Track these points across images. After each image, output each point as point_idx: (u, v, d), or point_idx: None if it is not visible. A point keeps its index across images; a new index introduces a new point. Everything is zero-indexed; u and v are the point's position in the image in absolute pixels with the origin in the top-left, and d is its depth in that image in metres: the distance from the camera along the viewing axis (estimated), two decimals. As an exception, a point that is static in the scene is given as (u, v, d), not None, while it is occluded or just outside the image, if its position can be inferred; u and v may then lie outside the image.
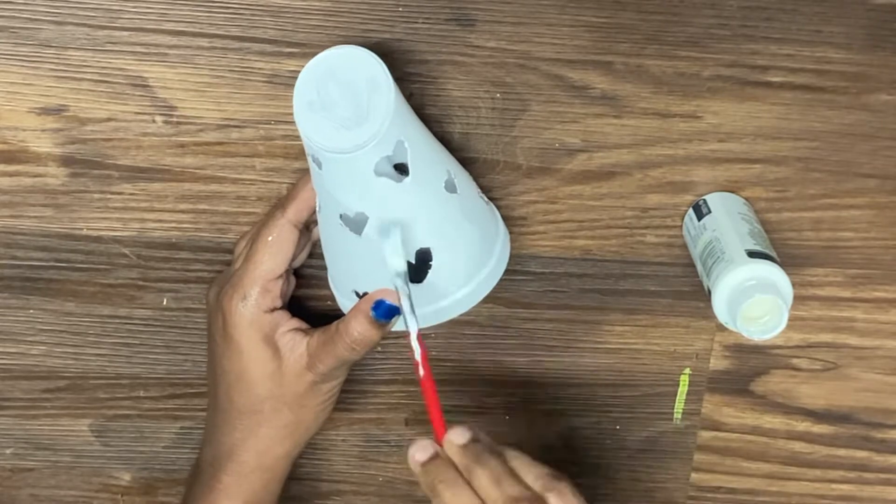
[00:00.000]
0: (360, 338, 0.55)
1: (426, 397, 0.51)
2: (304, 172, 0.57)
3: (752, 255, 0.56)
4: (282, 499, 0.69)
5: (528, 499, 0.48)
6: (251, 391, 0.57)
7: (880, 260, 0.64)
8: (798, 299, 0.64)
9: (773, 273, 0.55)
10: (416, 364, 0.51)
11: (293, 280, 0.60)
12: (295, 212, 0.57)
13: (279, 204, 0.58)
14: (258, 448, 0.58)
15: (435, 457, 0.50)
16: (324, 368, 0.57)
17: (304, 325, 0.58)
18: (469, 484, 0.49)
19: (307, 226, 0.59)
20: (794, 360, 0.66)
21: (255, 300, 0.56)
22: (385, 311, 0.54)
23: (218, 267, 0.61)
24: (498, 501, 0.48)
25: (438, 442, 0.51)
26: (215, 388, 0.59)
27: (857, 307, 0.65)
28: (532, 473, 0.49)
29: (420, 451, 0.50)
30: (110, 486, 0.67)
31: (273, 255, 0.57)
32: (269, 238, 0.57)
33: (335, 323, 0.56)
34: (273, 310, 0.57)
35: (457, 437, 0.50)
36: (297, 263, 0.60)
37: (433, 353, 0.65)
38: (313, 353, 0.57)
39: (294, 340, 0.57)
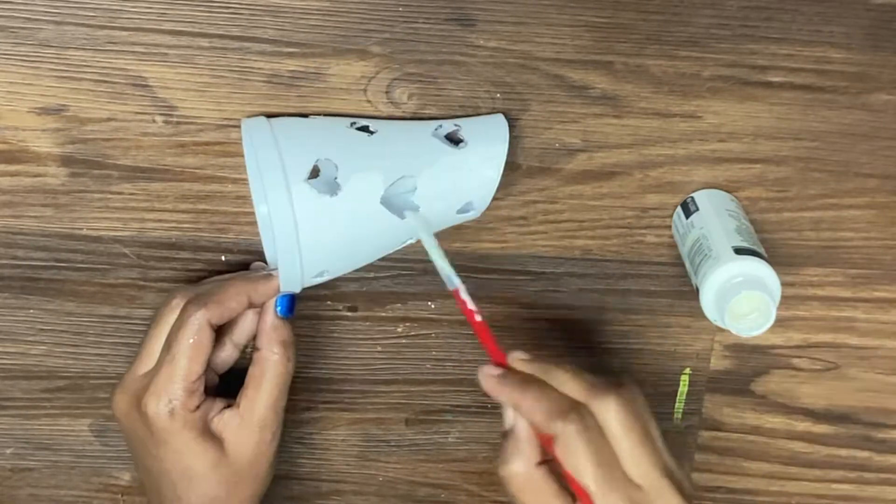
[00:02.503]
0: (284, 340, 0.57)
1: (482, 336, 0.53)
2: (238, 279, 0.57)
3: (739, 251, 0.56)
4: (282, 499, 0.69)
5: (610, 383, 0.51)
6: (202, 485, 0.56)
7: (880, 260, 0.64)
8: (798, 299, 0.64)
9: (760, 269, 0.55)
10: (472, 313, 0.53)
11: (213, 379, 0.59)
12: (215, 313, 0.55)
13: (197, 300, 0.56)
14: None
15: (505, 374, 0.52)
16: (275, 404, 0.57)
17: (227, 402, 0.57)
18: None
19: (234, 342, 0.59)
20: (795, 360, 0.66)
21: (181, 404, 0.55)
22: (289, 306, 0.57)
23: (218, 267, 0.61)
24: (582, 390, 0.51)
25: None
26: (158, 486, 0.57)
27: (857, 307, 0.65)
28: (578, 382, 0.52)
29: (490, 370, 0.53)
30: (110, 486, 0.68)
31: (193, 358, 0.55)
32: (190, 341, 0.55)
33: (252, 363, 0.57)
34: (199, 406, 0.56)
35: (520, 354, 0.53)
36: (222, 367, 0.60)
37: (433, 353, 0.65)
38: (254, 400, 0.57)
39: (225, 419, 0.57)
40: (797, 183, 0.61)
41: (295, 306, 0.57)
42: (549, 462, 0.51)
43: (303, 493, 0.69)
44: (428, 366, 0.66)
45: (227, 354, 0.59)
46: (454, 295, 0.53)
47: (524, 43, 0.57)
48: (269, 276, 0.57)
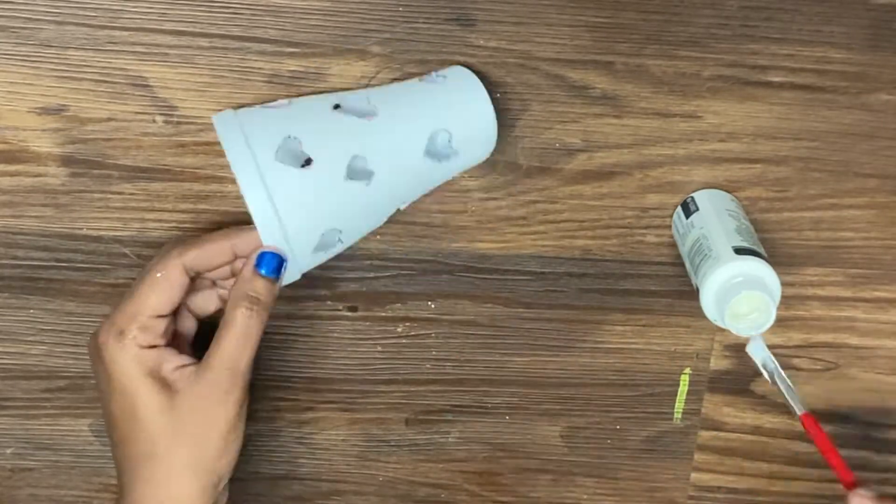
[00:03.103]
0: (255, 296, 0.53)
1: (828, 456, 0.54)
2: (225, 231, 0.56)
3: (739, 251, 0.56)
4: (282, 499, 0.69)
5: None
6: (143, 429, 0.53)
7: (880, 260, 0.64)
8: (798, 299, 0.64)
9: (759, 269, 0.55)
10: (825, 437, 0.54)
11: (191, 324, 0.57)
12: (193, 258, 0.54)
13: (179, 243, 0.55)
14: (158, 498, 0.53)
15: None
16: (235, 363, 0.53)
17: (192, 360, 0.54)
18: None
19: (214, 282, 0.57)
20: (795, 360, 0.66)
21: (132, 336, 0.53)
22: (273, 266, 0.53)
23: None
24: None
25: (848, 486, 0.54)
26: (112, 443, 0.55)
27: (857, 307, 0.65)
28: None
29: (866, 492, 0.53)
30: (110, 486, 0.67)
31: (157, 293, 0.53)
32: (158, 275, 0.53)
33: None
34: (154, 346, 0.53)
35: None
36: (198, 312, 0.57)
37: (433, 353, 0.65)
38: (214, 355, 0.53)
39: (185, 373, 0.53)
40: (797, 183, 0.61)
41: (281, 270, 0.54)
42: None
43: (303, 493, 0.69)
44: (428, 366, 0.66)
45: (207, 297, 0.57)
46: (804, 421, 0.55)
47: (524, 43, 0.57)
48: (253, 227, 0.54)
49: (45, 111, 0.57)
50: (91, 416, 0.65)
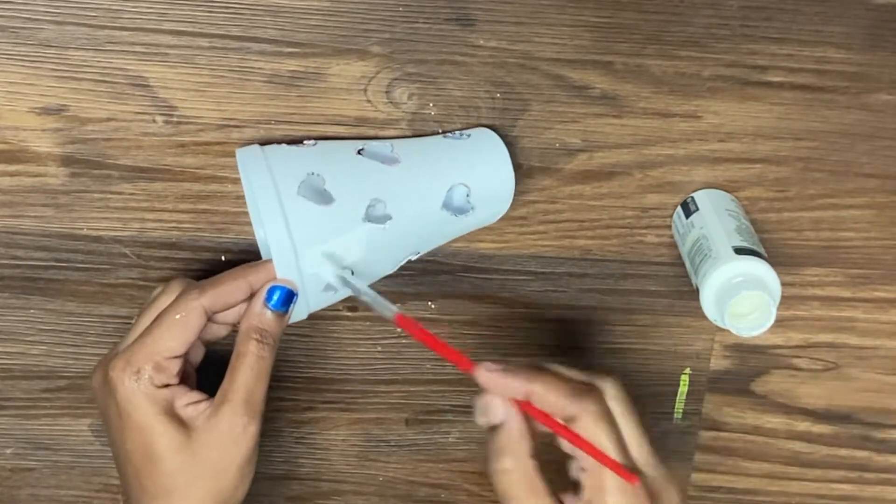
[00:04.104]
0: (264, 328, 0.54)
1: (444, 353, 0.52)
2: (239, 266, 0.55)
3: (739, 251, 0.56)
4: (282, 499, 0.69)
5: (601, 372, 0.52)
6: (160, 469, 0.53)
7: (880, 260, 0.64)
8: (798, 299, 0.65)
9: (759, 269, 0.55)
10: (425, 332, 0.51)
11: (199, 352, 0.57)
12: (213, 299, 0.54)
13: (196, 285, 0.55)
14: None
15: (508, 367, 0.52)
16: (250, 395, 0.54)
17: (204, 396, 0.54)
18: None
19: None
20: (795, 360, 0.67)
21: (148, 376, 0.53)
22: (282, 300, 0.54)
23: (218, 267, 0.61)
24: (583, 376, 0.52)
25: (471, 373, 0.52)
26: (124, 475, 0.55)
27: (857, 307, 0.65)
28: (576, 372, 0.53)
29: (491, 366, 0.51)
30: (110, 486, 0.68)
31: (175, 335, 0.53)
32: (177, 316, 0.53)
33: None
34: (168, 385, 0.54)
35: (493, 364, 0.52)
36: (196, 358, 0.57)
37: (433, 353, 0.65)
38: (230, 390, 0.53)
39: (199, 409, 0.54)
40: (797, 183, 0.61)
41: (290, 303, 0.54)
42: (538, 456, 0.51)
43: (303, 493, 0.69)
44: (428, 366, 0.66)
45: (217, 327, 0.56)
46: (399, 322, 0.51)
47: (524, 43, 0.57)
48: (268, 261, 0.55)
49: (45, 111, 0.57)
50: (91, 416, 0.65)
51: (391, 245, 0.56)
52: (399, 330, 0.64)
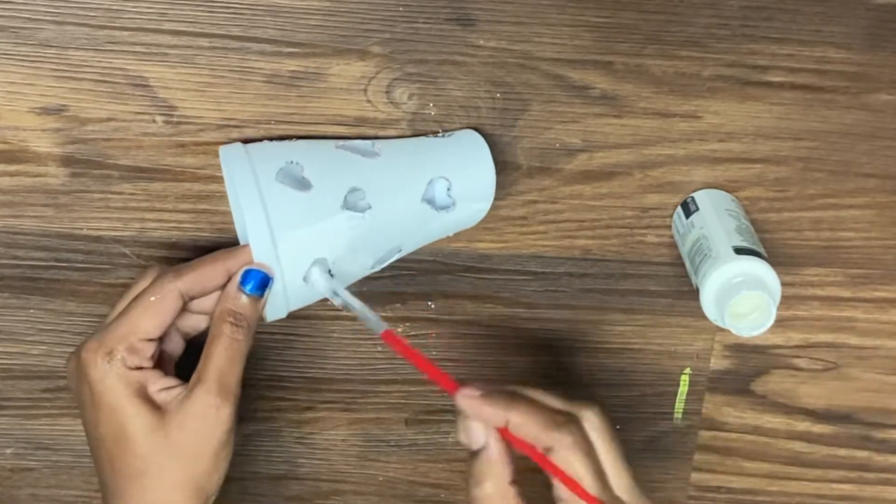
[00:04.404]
0: (239, 311, 0.53)
1: (429, 373, 0.51)
2: (214, 252, 0.55)
3: (740, 251, 0.56)
4: (282, 499, 0.69)
5: (583, 401, 0.52)
6: (132, 451, 0.52)
7: (880, 260, 0.64)
8: (798, 299, 0.65)
9: (759, 269, 0.55)
10: (409, 349, 0.51)
11: (178, 345, 0.57)
12: (189, 282, 0.53)
13: (173, 269, 0.54)
14: None
15: (489, 392, 0.51)
16: (223, 377, 0.53)
17: (178, 381, 0.54)
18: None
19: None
20: (795, 360, 0.67)
21: (120, 357, 0.52)
22: (257, 283, 0.54)
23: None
24: (564, 405, 0.51)
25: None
26: (98, 461, 0.54)
27: (857, 307, 0.65)
28: (556, 400, 0.53)
29: (470, 391, 0.51)
30: (110, 486, 0.68)
31: (150, 317, 0.53)
32: (152, 298, 0.53)
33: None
34: (141, 368, 0.53)
35: (476, 386, 0.51)
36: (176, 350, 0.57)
37: (433, 353, 0.65)
38: (204, 371, 0.53)
39: (172, 394, 0.53)
40: (797, 183, 0.61)
41: (265, 288, 0.54)
42: (519, 481, 0.51)
43: (303, 493, 0.69)
44: (428, 366, 0.66)
45: (198, 317, 0.56)
46: (384, 338, 0.52)
47: (524, 43, 0.57)
48: (245, 246, 0.54)
49: (45, 111, 0.57)
50: (91, 416, 0.65)
51: (372, 236, 0.55)
52: (399, 330, 0.64)
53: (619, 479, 0.51)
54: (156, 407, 0.53)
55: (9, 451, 0.66)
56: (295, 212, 0.53)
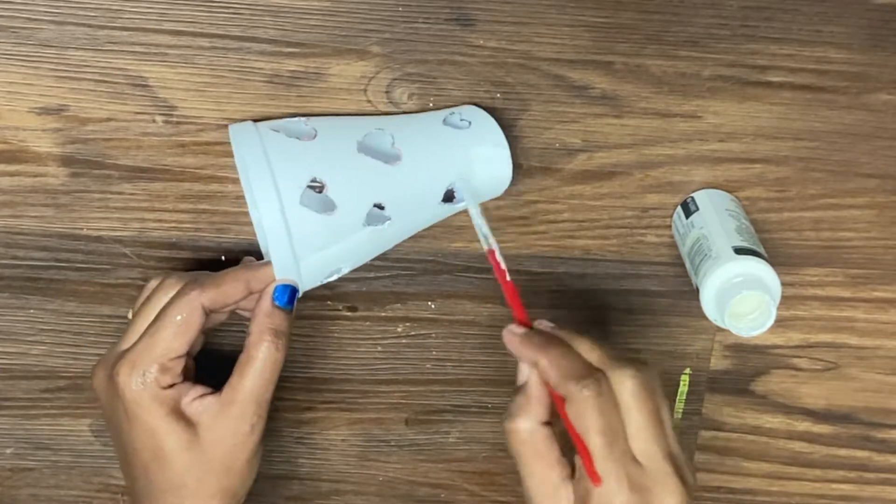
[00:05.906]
0: (277, 328, 0.55)
1: (511, 297, 0.53)
2: (238, 267, 0.56)
3: (740, 251, 0.56)
4: (282, 499, 0.69)
5: (631, 358, 0.51)
6: (170, 467, 0.54)
7: (880, 260, 0.64)
8: (798, 299, 0.64)
9: (760, 269, 0.55)
10: (504, 273, 0.53)
11: (198, 343, 0.58)
12: (212, 298, 0.54)
13: (195, 284, 0.55)
14: None
15: (529, 332, 0.53)
16: (260, 397, 0.55)
17: (208, 389, 0.55)
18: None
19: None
20: (795, 360, 0.67)
21: (153, 378, 0.54)
22: (287, 298, 0.55)
23: (219, 267, 0.61)
24: (602, 359, 0.51)
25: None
26: (130, 470, 0.56)
27: (857, 307, 0.65)
28: (600, 353, 0.52)
29: (515, 328, 0.53)
30: (110, 486, 0.68)
31: (178, 336, 0.54)
32: (178, 318, 0.54)
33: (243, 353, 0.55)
34: (173, 385, 0.55)
35: (546, 322, 0.54)
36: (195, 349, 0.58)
37: (433, 353, 0.65)
38: (241, 389, 0.54)
39: (204, 404, 0.55)
40: (797, 183, 0.61)
41: (294, 300, 0.55)
42: (554, 424, 0.51)
43: (303, 493, 0.69)
44: (428, 366, 0.66)
45: (215, 316, 0.57)
46: (488, 255, 0.54)
47: (524, 43, 0.57)
48: (267, 263, 0.56)
49: (45, 111, 0.57)
50: (91, 416, 0.65)
51: (386, 242, 0.57)
52: (399, 330, 0.64)
53: (644, 443, 0.50)
54: (189, 423, 0.54)
55: (9, 451, 0.66)
56: (318, 234, 0.54)
